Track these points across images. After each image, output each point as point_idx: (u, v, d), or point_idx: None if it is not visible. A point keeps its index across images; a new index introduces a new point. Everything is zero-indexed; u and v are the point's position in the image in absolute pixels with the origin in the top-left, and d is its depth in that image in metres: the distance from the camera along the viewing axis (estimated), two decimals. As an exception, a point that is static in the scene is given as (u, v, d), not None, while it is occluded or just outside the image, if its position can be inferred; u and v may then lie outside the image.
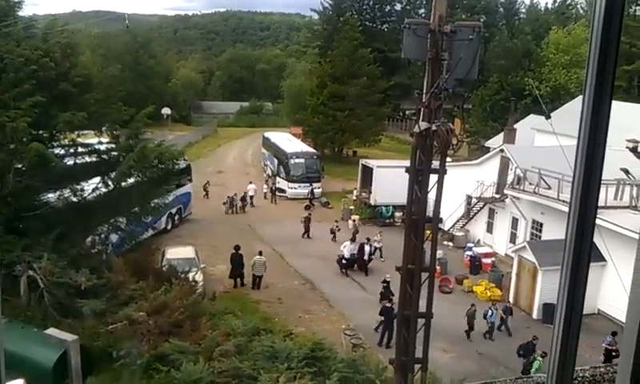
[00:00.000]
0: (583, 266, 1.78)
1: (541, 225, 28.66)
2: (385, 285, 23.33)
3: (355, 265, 27.70)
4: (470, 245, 31.30)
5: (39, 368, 14.00)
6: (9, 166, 18.06)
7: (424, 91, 11.55)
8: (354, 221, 34.10)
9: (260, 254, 25.73)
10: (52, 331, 14.97)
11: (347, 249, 27.72)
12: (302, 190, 41.52)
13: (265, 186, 42.74)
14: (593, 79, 1.67)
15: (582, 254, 1.77)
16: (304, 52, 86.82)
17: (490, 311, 22.14)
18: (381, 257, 29.04)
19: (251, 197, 39.58)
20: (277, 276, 26.33)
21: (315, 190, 41.83)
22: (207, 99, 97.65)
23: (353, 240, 28.79)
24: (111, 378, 15.22)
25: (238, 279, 25.32)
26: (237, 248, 25.63)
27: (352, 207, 37.94)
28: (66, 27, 27.36)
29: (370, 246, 28.40)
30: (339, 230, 32.18)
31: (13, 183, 18.07)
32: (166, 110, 67.49)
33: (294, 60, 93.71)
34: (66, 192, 20.95)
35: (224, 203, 37.57)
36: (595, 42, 1.65)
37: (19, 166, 18.55)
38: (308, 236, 32.75)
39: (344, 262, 27.45)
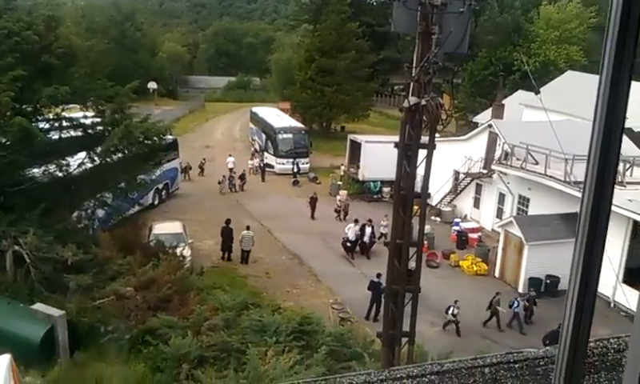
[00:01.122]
0: (599, 242, 1.77)
1: (527, 200, 28.84)
2: None
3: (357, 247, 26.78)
4: (457, 220, 31.47)
5: (26, 343, 13.99)
6: (-8, 140, 17.82)
7: (413, 65, 11.47)
8: (340, 200, 33.05)
9: (247, 228, 25.81)
10: (39, 306, 14.95)
11: (352, 231, 26.73)
12: (290, 165, 41.38)
13: (250, 162, 42.38)
14: (611, 55, 1.61)
15: (597, 229, 1.75)
16: (292, 26, 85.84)
17: (515, 302, 21.19)
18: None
19: (231, 169, 39.32)
20: (265, 251, 26.35)
21: (303, 166, 41.71)
22: (194, 73, 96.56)
23: (356, 222, 27.45)
24: (99, 352, 15.22)
25: (227, 253, 25.41)
26: (227, 222, 25.74)
27: (340, 182, 37.96)
28: (50, -1, 26.83)
29: (372, 228, 27.19)
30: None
31: (-4, 158, 17.85)
32: (152, 84, 66.73)
33: (282, 34, 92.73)
34: (52, 167, 20.69)
35: (219, 182, 36.70)
36: (615, 16, 1.58)
37: (3, 140, 18.30)
38: (313, 217, 31.84)
39: (349, 244, 26.54)
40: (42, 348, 14.07)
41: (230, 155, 41.08)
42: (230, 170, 39.19)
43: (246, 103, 71.26)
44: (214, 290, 19.92)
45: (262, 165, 41.62)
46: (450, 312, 20.27)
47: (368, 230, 27.11)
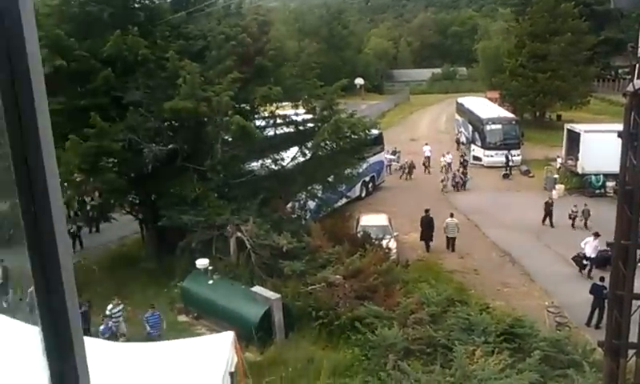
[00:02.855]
0: None
1: None
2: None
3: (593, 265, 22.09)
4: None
5: (246, 322, 15.14)
6: (216, 137, 19.67)
7: (639, 45, 10.03)
8: (551, 199, 29.55)
9: (451, 216, 25.64)
10: (257, 289, 16.08)
11: (590, 246, 22.24)
12: (499, 157, 39.33)
13: (442, 159, 38.94)
14: None
15: None
16: (500, 12, 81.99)
17: None
18: None
19: (428, 157, 38.77)
20: (473, 247, 25.41)
21: (514, 158, 39.35)
22: (398, 67, 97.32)
23: (597, 235, 21.88)
24: (311, 336, 15.93)
25: (427, 243, 25.41)
26: (427, 211, 25.76)
27: (556, 176, 35.11)
28: (261, 3, 28.83)
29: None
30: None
31: (221, 153, 19.65)
32: (358, 80, 68.75)
33: (489, 20, 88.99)
34: (268, 161, 22.29)
35: (403, 169, 36.80)
36: None
37: (226, 137, 20.04)
38: (551, 224, 27.88)
39: (585, 262, 22.30)
40: (260, 327, 15.09)
41: (427, 144, 40.63)
42: (427, 158, 38.84)
43: (451, 94, 69.97)
44: (419, 283, 19.70)
45: (464, 159, 39.52)
46: None
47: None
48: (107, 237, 26.30)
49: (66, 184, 19.96)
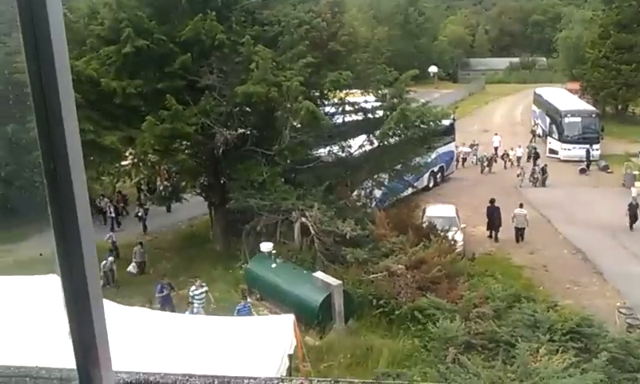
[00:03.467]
0: None
1: None
2: None
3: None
4: None
5: (307, 306, 15.37)
6: (285, 123, 19.89)
7: None
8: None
9: (520, 206, 25.39)
10: (319, 274, 16.27)
11: None
12: (577, 151, 37.77)
13: (511, 151, 37.89)
14: None
15: None
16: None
17: None
18: None
19: (496, 148, 37.79)
20: (544, 242, 24.63)
21: (593, 153, 37.71)
22: (475, 56, 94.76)
23: None
24: (370, 324, 15.99)
25: (493, 233, 25.28)
26: (492, 201, 25.52)
27: (636, 172, 33.37)
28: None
29: None
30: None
31: (289, 139, 19.88)
32: (432, 69, 67.60)
33: (574, 8, 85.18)
34: (335, 148, 22.39)
35: (481, 162, 35.87)
36: None
37: (294, 123, 20.25)
38: (631, 225, 26.02)
39: None
40: (320, 312, 15.28)
41: (497, 134, 39.63)
42: (496, 149, 37.90)
43: (529, 84, 67.56)
44: (485, 277, 19.33)
45: (536, 151, 37.96)
46: None
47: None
48: (177, 217, 27.31)
49: (140, 164, 20.87)
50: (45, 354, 6.59)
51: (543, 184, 33.38)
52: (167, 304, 16.86)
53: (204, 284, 16.92)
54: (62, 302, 1.23)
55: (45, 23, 1.10)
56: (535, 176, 33.60)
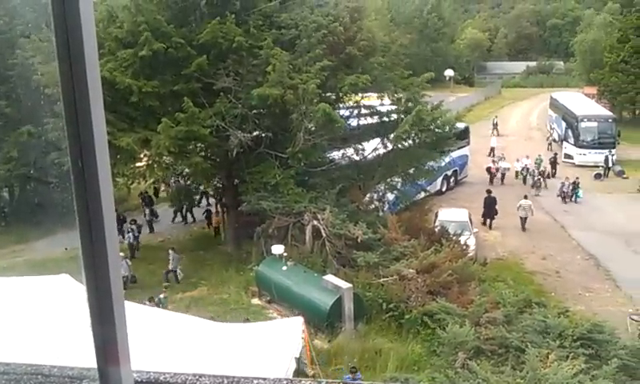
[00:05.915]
0: None
1: None
2: None
3: None
4: None
5: (316, 310, 15.47)
6: (300, 125, 19.98)
7: None
8: None
9: (525, 197, 27.35)
10: (329, 277, 16.37)
11: None
12: (593, 157, 37.44)
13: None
14: None
15: None
16: (604, 2, 77.49)
17: None
18: None
19: (492, 148, 38.48)
20: (556, 248, 24.53)
21: (609, 158, 37.36)
22: (491, 59, 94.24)
23: None
24: (380, 327, 16.07)
25: (487, 220, 26.75)
26: (489, 192, 27.69)
27: (653, 178, 33.09)
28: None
29: None
30: None
31: (303, 141, 20.01)
32: (448, 72, 67.34)
33: (592, 12, 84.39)
34: (349, 151, 22.48)
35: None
36: None
37: (309, 125, 20.37)
38: None
39: None
40: (329, 316, 15.36)
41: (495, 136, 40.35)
42: (492, 149, 38.80)
43: (546, 89, 67.06)
44: (496, 282, 19.37)
45: (553, 159, 36.84)
46: None
47: None
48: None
49: (155, 166, 21.13)
50: (57, 352, 6.79)
51: (575, 200, 30.52)
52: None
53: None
54: (82, 300, 1.25)
55: (77, 25, 1.14)
56: (564, 190, 30.82)
